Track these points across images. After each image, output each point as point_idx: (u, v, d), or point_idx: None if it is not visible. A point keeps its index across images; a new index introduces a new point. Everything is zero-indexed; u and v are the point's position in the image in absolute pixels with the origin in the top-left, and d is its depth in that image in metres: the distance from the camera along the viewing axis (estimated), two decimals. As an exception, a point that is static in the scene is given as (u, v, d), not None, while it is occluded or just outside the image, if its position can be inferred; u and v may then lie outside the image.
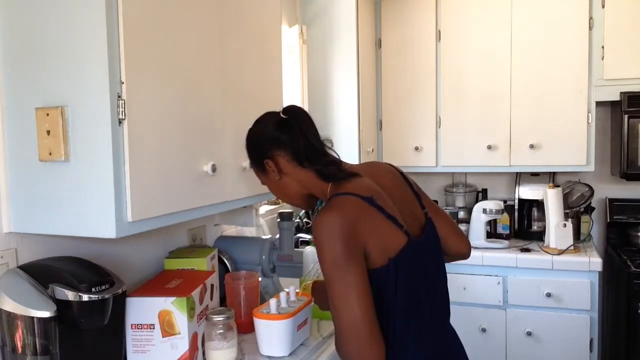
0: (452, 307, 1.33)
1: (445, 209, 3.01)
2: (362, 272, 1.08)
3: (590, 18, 2.78)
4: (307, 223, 2.74)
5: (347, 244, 1.08)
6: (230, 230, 2.17)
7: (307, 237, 2.59)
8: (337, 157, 1.31)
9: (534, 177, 3.09)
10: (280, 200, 2.57)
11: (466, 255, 1.43)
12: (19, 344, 1.06)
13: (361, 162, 1.38)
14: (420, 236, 1.22)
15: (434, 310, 1.25)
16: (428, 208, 1.33)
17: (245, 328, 1.59)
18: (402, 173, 1.35)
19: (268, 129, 1.30)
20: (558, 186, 2.82)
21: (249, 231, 2.25)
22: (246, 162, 1.53)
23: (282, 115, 1.29)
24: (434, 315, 1.25)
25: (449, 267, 2.89)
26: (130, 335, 1.31)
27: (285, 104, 1.85)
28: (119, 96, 1.09)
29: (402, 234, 1.15)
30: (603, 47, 2.76)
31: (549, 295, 2.66)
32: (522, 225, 3.10)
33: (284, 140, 1.27)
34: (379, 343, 1.06)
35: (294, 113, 1.29)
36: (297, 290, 1.60)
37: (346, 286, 1.06)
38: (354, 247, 1.09)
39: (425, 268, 1.22)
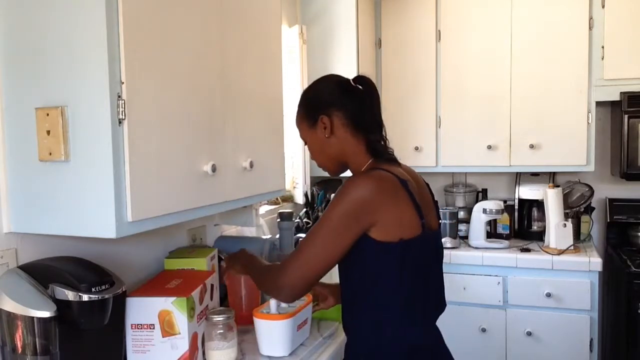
0: (452, 307, 1.35)
1: (445, 209, 3.01)
2: (345, 246, 1.16)
3: (590, 18, 2.78)
4: (307, 223, 2.74)
5: (358, 214, 1.14)
6: (230, 230, 2.17)
7: (307, 237, 2.59)
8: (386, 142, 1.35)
9: (534, 177, 3.09)
10: (287, 191, 2.57)
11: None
12: (19, 344, 1.06)
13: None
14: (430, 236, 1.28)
15: (429, 305, 1.29)
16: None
17: (246, 321, 1.57)
18: (427, 184, 1.41)
19: (333, 87, 1.32)
20: (558, 186, 2.81)
21: (249, 231, 2.25)
22: (246, 162, 1.53)
23: (352, 82, 1.32)
24: (429, 310, 1.29)
25: (450, 267, 2.87)
26: (130, 335, 1.31)
27: (285, 103, 1.86)
28: (119, 96, 1.09)
29: (420, 224, 1.20)
30: (603, 47, 2.76)
31: (549, 295, 2.66)
32: (522, 225, 3.10)
33: (347, 104, 1.29)
34: (301, 294, 1.22)
35: (367, 84, 1.32)
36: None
37: (324, 244, 1.15)
38: (360, 222, 1.15)
39: (428, 263, 1.27)
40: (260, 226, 2.33)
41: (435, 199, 1.39)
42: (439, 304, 1.33)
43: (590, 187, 2.92)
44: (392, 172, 1.21)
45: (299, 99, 1.40)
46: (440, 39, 3.06)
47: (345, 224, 1.15)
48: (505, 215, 3.03)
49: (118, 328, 1.26)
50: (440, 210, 3.02)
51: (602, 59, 2.77)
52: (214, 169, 1.38)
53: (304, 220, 2.75)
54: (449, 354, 1.33)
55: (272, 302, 1.46)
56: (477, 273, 2.80)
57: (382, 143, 1.32)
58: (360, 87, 1.32)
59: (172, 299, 1.29)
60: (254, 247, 1.87)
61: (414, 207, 1.20)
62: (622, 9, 2.73)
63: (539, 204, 3.01)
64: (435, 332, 1.32)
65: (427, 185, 1.40)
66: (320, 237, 1.17)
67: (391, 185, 1.18)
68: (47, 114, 1.11)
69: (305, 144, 1.40)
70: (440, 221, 1.39)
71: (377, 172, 1.21)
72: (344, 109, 1.29)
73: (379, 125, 1.32)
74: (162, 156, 1.22)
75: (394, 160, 1.31)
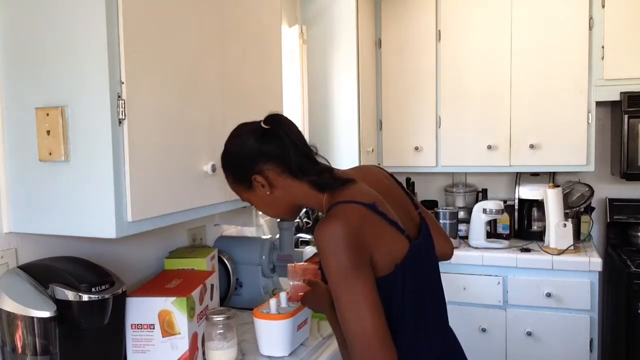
0: (452, 307, 1.34)
1: (445, 209, 3.02)
2: (370, 281, 1.06)
3: (590, 18, 2.78)
4: (307, 223, 2.74)
5: (354, 252, 1.05)
6: (230, 230, 2.17)
7: (307, 237, 2.59)
8: (327, 163, 1.26)
9: (534, 177, 3.09)
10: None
11: (450, 256, 1.44)
12: (19, 344, 1.06)
13: (351, 167, 1.36)
14: (417, 238, 1.22)
15: (437, 308, 1.26)
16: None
17: None
18: (391, 174, 1.33)
19: (250, 142, 1.20)
20: (558, 186, 2.81)
21: (249, 231, 2.25)
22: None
23: (263, 125, 1.21)
24: (438, 313, 1.26)
25: (449, 267, 2.86)
26: (130, 335, 1.31)
27: (285, 103, 1.86)
28: (119, 96, 1.09)
29: (404, 238, 1.14)
30: (603, 47, 2.76)
31: (549, 295, 2.66)
32: (522, 225, 3.10)
33: (272, 152, 1.18)
34: (392, 352, 1.04)
35: (279, 122, 1.21)
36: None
37: (355, 296, 1.03)
38: (361, 256, 1.06)
39: (427, 268, 1.23)
40: (260, 226, 2.33)
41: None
42: (443, 307, 1.30)
43: (590, 187, 2.92)
44: (357, 200, 1.11)
45: (221, 164, 1.28)
46: (440, 39, 3.06)
47: (354, 267, 1.04)
48: (505, 215, 3.03)
49: (118, 328, 1.26)
50: (440, 210, 3.03)
51: (602, 59, 2.77)
52: (214, 169, 1.39)
53: (304, 220, 2.76)
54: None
55: (272, 302, 1.46)
56: (477, 273, 2.80)
57: (325, 174, 1.20)
58: (273, 127, 1.20)
59: (172, 299, 1.29)
60: (254, 247, 1.87)
61: (391, 225, 1.13)
62: (622, 9, 2.72)
63: (539, 204, 3.01)
64: (448, 336, 1.28)
65: (391, 175, 1.32)
66: (346, 300, 1.04)
67: (362, 218, 1.09)
68: (47, 114, 1.11)
69: (251, 204, 1.30)
70: (418, 210, 1.29)
71: (340, 209, 1.10)
72: (271, 159, 1.18)
73: (309, 158, 1.21)
74: (162, 156, 1.22)
75: (346, 181, 1.18)
